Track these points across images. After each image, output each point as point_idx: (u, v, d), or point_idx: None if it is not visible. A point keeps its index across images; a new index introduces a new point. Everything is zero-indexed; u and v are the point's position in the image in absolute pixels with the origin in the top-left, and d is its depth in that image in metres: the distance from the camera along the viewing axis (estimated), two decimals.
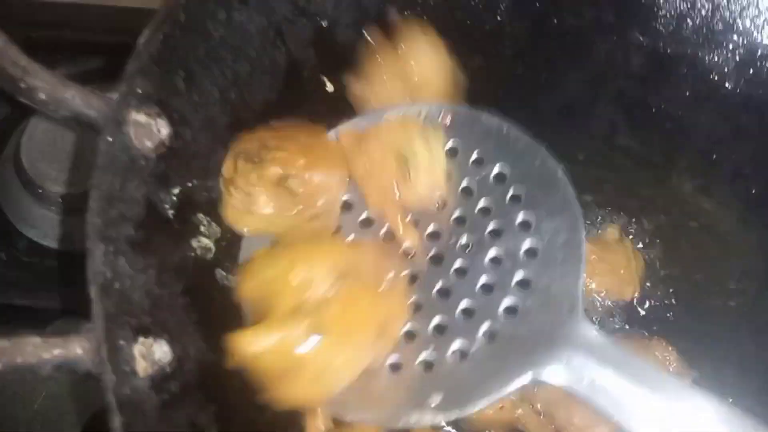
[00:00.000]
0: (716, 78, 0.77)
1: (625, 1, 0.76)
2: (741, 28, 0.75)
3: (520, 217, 0.56)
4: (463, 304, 0.54)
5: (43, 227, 0.89)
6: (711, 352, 0.69)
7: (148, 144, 0.51)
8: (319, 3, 0.65)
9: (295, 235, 0.57)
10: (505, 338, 0.51)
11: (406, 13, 0.70)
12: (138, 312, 0.47)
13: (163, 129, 0.52)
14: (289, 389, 0.49)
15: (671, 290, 0.75)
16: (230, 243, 0.58)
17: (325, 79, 0.69)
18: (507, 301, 0.53)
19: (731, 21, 0.75)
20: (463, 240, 0.56)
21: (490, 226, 0.56)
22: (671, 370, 0.65)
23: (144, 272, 0.49)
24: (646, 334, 0.71)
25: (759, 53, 0.75)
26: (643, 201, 0.77)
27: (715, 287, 0.73)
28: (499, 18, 0.76)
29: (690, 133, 0.78)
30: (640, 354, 0.61)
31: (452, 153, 0.60)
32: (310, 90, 0.68)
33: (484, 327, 0.52)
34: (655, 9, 0.77)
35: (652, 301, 0.75)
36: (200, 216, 0.56)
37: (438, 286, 0.55)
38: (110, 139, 0.48)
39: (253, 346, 0.48)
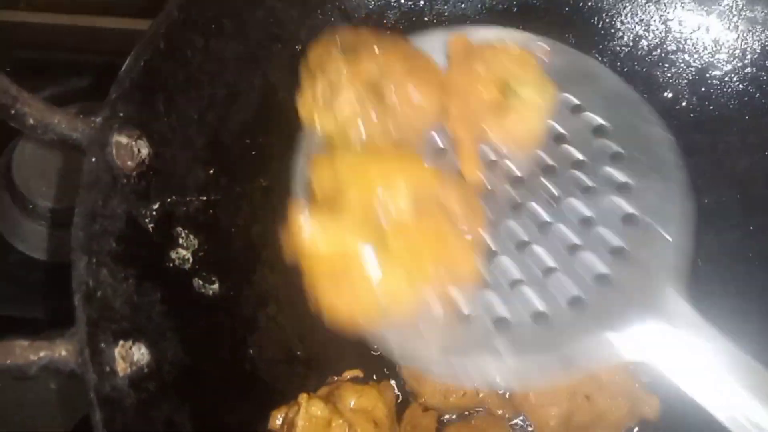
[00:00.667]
0: (670, 95, 0.81)
1: (585, 24, 0.81)
2: (691, 48, 0.80)
3: (620, 178, 0.50)
4: (549, 262, 0.48)
5: (33, 241, 0.93)
6: None
7: (130, 164, 0.55)
8: (292, 30, 0.70)
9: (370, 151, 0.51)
10: (593, 308, 0.46)
11: None
12: (118, 318, 0.51)
13: (143, 149, 0.56)
14: (337, 297, 0.45)
15: None
16: (207, 254, 0.63)
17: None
18: (599, 269, 0.47)
19: (683, 41, 0.80)
20: (554, 193, 0.50)
21: (586, 183, 0.50)
22: (631, 366, 0.69)
23: (124, 281, 0.53)
24: None
25: (709, 72, 0.80)
26: None
27: None
28: None
29: None
30: None
31: None
32: (285, 109, 0.72)
33: (571, 293, 0.47)
34: (613, 31, 0.82)
35: None
36: (179, 229, 0.60)
37: (521, 237, 0.49)
38: (94, 159, 0.53)
39: (315, 233, 0.45)
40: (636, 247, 0.48)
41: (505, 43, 0.54)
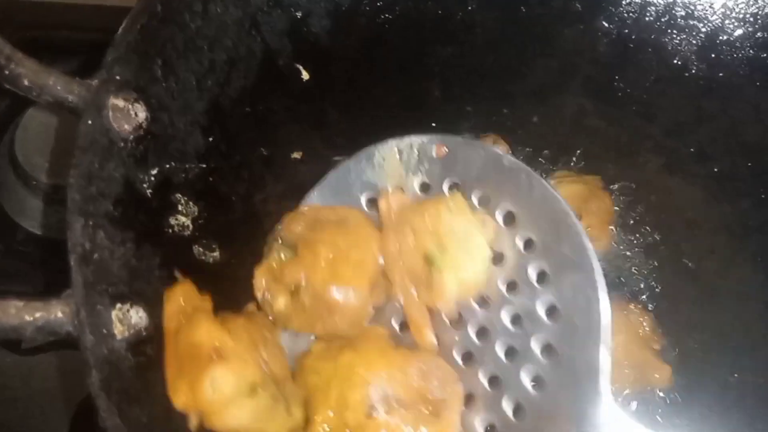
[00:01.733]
0: (679, 62, 0.80)
1: None
2: (700, 13, 0.78)
3: (536, 268, 0.52)
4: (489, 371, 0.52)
5: (38, 218, 0.93)
6: (683, 319, 0.72)
7: (127, 127, 0.55)
8: None
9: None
10: (534, 415, 0.50)
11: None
12: (116, 281, 0.50)
13: (140, 113, 0.56)
14: None
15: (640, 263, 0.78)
16: (207, 222, 0.62)
17: (300, 67, 0.72)
18: (533, 372, 0.50)
19: (691, 7, 0.79)
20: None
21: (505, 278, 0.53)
22: (642, 334, 0.68)
23: (122, 245, 0.52)
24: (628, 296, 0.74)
25: (719, 38, 0.78)
26: (608, 179, 0.80)
27: (680, 262, 0.76)
28: (469, 7, 0.79)
29: (655, 115, 0.81)
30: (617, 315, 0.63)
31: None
32: (286, 77, 0.71)
33: (512, 401, 0.51)
34: None
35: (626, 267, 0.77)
36: (178, 196, 0.60)
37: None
38: (90, 122, 0.52)
39: None
40: (561, 344, 0.50)
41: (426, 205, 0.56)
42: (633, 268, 0.76)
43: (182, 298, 0.51)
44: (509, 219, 0.54)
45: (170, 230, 0.58)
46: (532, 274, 0.52)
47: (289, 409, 0.51)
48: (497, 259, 0.54)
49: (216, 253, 0.62)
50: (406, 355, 0.52)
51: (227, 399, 0.46)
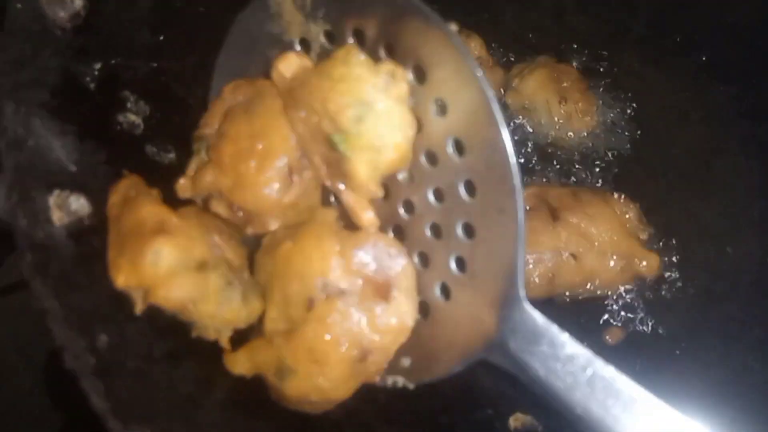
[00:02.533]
0: None
1: None
2: None
3: (452, 138, 0.46)
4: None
5: None
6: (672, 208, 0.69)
7: (62, 14, 0.51)
8: None
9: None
10: (459, 296, 0.48)
11: None
12: (55, 170, 0.48)
13: (77, 0, 0.52)
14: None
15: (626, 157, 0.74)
16: (161, 122, 0.59)
17: None
18: (455, 251, 0.48)
19: None
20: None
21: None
22: (628, 225, 0.65)
23: (62, 136, 0.50)
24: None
25: None
26: (592, 73, 0.76)
27: (665, 154, 0.73)
28: None
29: (638, 6, 0.77)
30: (597, 206, 0.61)
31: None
32: None
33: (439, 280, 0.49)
34: None
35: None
36: (126, 93, 0.57)
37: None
38: (19, 5, 0.49)
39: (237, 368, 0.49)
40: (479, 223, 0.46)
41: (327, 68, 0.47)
42: (618, 160, 0.72)
43: (128, 190, 0.49)
44: (420, 74, 0.46)
45: (118, 127, 0.56)
46: (449, 144, 0.46)
47: (246, 298, 0.48)
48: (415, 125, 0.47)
49: (171, 154, 0.59)
50: (346, 238, 0.48)
51: (170, 271, 0.43)
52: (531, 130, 0.72)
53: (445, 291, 0.49)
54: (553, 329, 0.44)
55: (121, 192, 0.49)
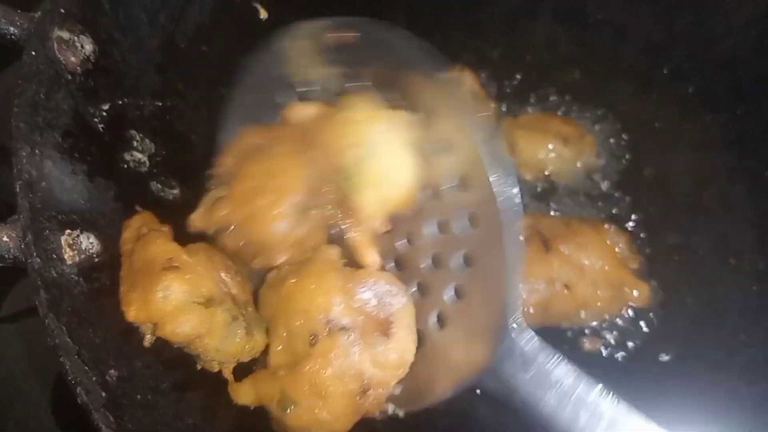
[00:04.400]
0: None
1: None
2: None
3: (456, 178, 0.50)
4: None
5: None
6: (662, 237, 0.71)
7: (73, 59, 0.54)
8: None
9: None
10: (455, 326, 0.50)
11: None
12: (66, 210, 0.50)
13: (87, 45, 0.55)
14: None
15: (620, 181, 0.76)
16: (166, 159, 0.61)
17: (258, 6, 0.71)
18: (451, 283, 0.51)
19: None
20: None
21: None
22: (619, 254, 0.67)
23: (73, 176, 0.52)
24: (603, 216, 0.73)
25: None
26: (586, 103, 0.78)
27: (661, 179, 0.75)
28: None
29: (628, 37, 0.80)
30: (589, 236, 0.63)
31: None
32: (243, 16, 0.70)
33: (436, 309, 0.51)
34: None
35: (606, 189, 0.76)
36: (132, 132, 0.59)
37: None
38: (33, 52, 0.51)
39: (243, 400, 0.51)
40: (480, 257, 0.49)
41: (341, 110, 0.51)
42: (609, 189, 0.74)
43: (140, 226, 0.51)
44: (425, 118, 0.50)
45: (125, 165, 0.58)
46: (452, 182, 0.50)
47: (250, 332, 0.50)
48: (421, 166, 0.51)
49: (176, 190, 0.61)
50: (349, 276, 0.50)
51: (179, 306, 0.45)
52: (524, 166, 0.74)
53: (441, 320, 0.51)
54: (543, 354, 0.46)
55: (134, 228, 0.51)
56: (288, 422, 0.48)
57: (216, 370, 0.51)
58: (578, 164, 0.73)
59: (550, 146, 0.72)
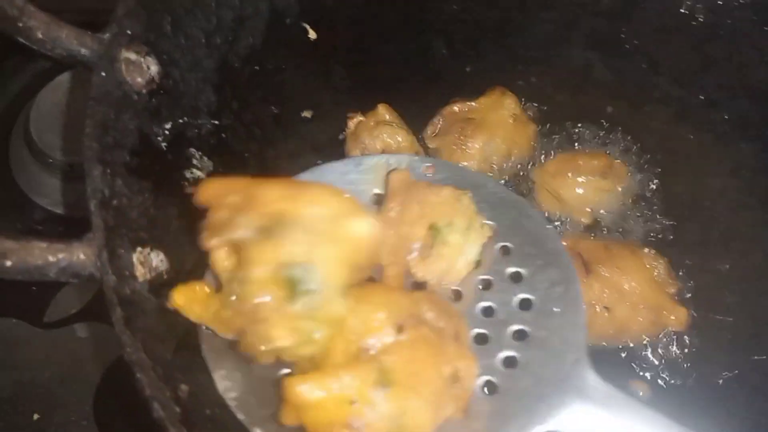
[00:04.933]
0: (684, 11, 0.80)
1: None
2: None
3: (510, 270, 0.56)
4: None
5: (54, 196, 0.94)
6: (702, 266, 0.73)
7: (140, 80, 0.55)
8: None
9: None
10: (507, 391, 0.51)
11: None
12: (135, 227, 0.51)
13: (152, 66, 0.56)
14: None
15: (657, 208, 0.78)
16: (221, 176, 0.62)
17: (307, 26, 0.73)
18: (504, 353, 0.53)
19: None
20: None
21: (481, 278, 0.57)
22: (657, 278, 0.68)
23: (140, 194, 0.53)
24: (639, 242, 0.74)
25: None
26: (622, 131, 0.80)
27: (696, 206, 0.76)
28: None
29: (661, 65, 0.81)
30: (628, 260, 0.65)
31: None
32: (293, 36, 0.72)
33: (481, 380, 0.52)
34: None
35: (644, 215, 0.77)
36: (192, 150, 0.61)
37: None
38: (104, 74, 0.53)
39: (312, 394, 0.45)
40: (536, 330, 0.53)
41: (439, 188, 0.58)
42: (646, 215, 0.76)
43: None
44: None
45: (186, 183, 0.59)
46: (508, 274, 0.56)
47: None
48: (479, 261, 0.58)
49: None
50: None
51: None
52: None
53: (513, 363, 0.53)
54: (617, 397, 0.48)
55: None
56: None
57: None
58: (619, 190, 0.74)
59: (588, 181, 0.74)
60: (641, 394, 0.66)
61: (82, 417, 0.81)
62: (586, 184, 0.74)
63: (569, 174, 0.73)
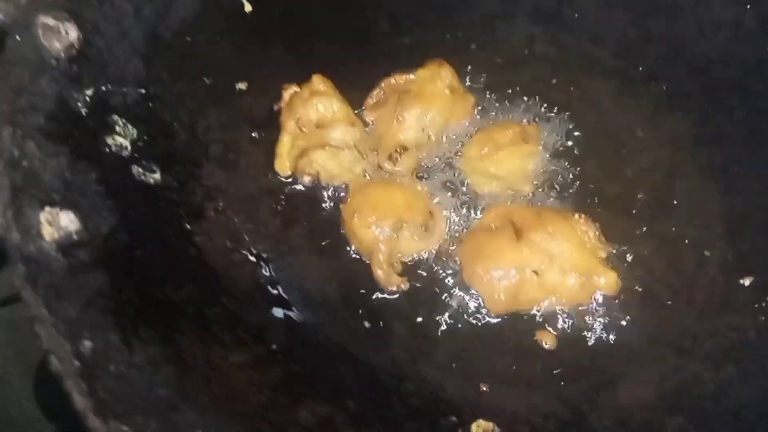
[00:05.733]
0: None
1: None
2: None
3: None
4: None
5: None
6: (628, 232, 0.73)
7: (57, 45, 0.56)
8: None
9: None
10: None
11: None
12: (47, 189, 0.52)
13: (71, 32, 0.57)
14: None
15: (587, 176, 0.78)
16: (148, 145, 0.63)
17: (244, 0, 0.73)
18: None
19: None
20: None
21: None
22: (588, 243, 0.68)
23: (55, 157, 0.54)
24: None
25: None
26: (560, 104, 0.80)
27: (627, 177, 0.76)
28: None
29: (604, 39, 0.82)
30: (559, 225, 0.66)
31: None
32: (228, 9, 0.72)
33: None
34: None
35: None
36: (115, 117, 0.61)
37: None
38: (18, 38, 0.53)
39: None
40: None
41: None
42: (580, 181, 0.75)
43: None
44: None
45: (107, 149, 0.60)
46: None
47: None
48: None
49: (157, 175, 0.63)
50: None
51: None
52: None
53: None
54: None
55: None
56: None
57: None
58: (540, 149, 0.75)
59: (510, 151, 0.74)
60: (546, 345, 0.66)
61: (22, 397, 0.81)
62: (511, 155, 0.74)
63: (490, 151, 0.73)
